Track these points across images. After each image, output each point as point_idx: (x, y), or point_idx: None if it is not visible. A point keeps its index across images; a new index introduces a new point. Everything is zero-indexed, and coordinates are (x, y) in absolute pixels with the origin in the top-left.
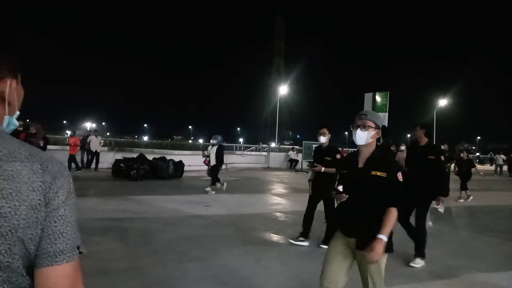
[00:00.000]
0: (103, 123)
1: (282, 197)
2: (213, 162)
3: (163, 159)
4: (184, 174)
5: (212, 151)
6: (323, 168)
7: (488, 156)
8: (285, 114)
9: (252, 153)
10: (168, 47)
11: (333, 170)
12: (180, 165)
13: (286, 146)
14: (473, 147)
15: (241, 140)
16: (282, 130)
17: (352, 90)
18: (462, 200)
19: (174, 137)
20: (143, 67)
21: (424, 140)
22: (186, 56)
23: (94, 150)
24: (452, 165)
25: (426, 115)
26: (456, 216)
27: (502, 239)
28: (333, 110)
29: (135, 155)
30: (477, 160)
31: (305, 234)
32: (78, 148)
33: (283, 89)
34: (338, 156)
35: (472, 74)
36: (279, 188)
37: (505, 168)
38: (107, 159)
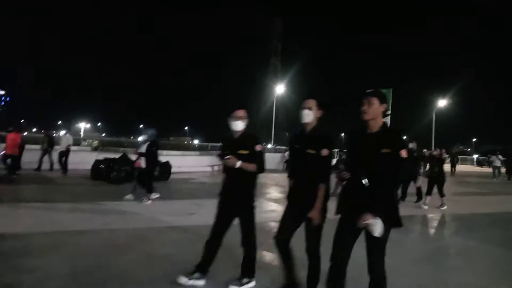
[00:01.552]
0: (99, 124)
1: (278, 203)
2: (144, 163)
3: None
4: (172, 176)
5: (142, 150)
6: (238, 163)
7: (487, 158)
8: (281, 115)
9: None
10: (163, 47)
11: (252, 166)
12: (166, 166)
13: (282, 147)
14: (469, 149)
15: None
16: (278, 131)
17: (354, 88)
18: (426, 207)
19: (170, 138)
20: (139, 66)
21: (378, 123)
22: (180, 56)
23: (62, 149)
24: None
25: (425, 116)
26: (477, 226)
27: None
28: (334, 109)
29: (118, 156)
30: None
31: (202, 268)
32: (19, 146)
33: (279, 89)
34: (259, 147)
35: (469, 75)
36: (274, 192)
37: (503, 170)
38: (91, 159)
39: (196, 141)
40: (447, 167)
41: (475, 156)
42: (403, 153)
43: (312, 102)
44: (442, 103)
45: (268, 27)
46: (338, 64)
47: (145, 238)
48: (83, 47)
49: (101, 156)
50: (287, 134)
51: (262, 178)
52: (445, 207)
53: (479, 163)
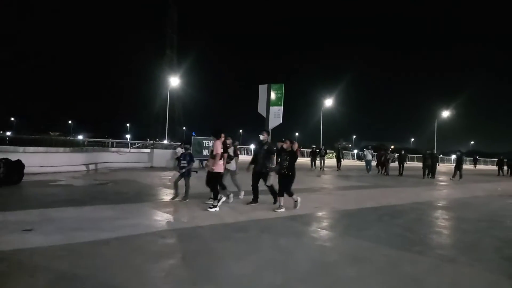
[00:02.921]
0: (12, 118)
1: (165, 208)
2: None
3: None
4: (30, 177)
5: None
6: None
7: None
8: (178, 111)
9: (132, 150)
10: (45, 35)
11: None
12: (16, 166)
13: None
14: (350, 145)
15: (128, 136)
16: (175, 126)
17: (248, 82)
18: (282, 210)
19: (51, 132)
20: (14, 56)
21: None
22: (62, 44)
23: None
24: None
25: (315, 114)
26: (366, 223)
27: (433, 257)
28: (230, 107)
29: None
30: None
31: None
32: None
33: (174, 82)
34: None
35: (351, 73)
36: (161, 195)
37: (374, 163)
38: None
39: (80, 137)
40: (332, 161)
41: (356, 152)
42: None
43: None
44: (328, 102)
45: (164, 19)
46: (235, 57)
47: None
48: None
49: None
50: (184, 128)
51: (149, 177)
52: (283, 210)
53: (359, 157)
